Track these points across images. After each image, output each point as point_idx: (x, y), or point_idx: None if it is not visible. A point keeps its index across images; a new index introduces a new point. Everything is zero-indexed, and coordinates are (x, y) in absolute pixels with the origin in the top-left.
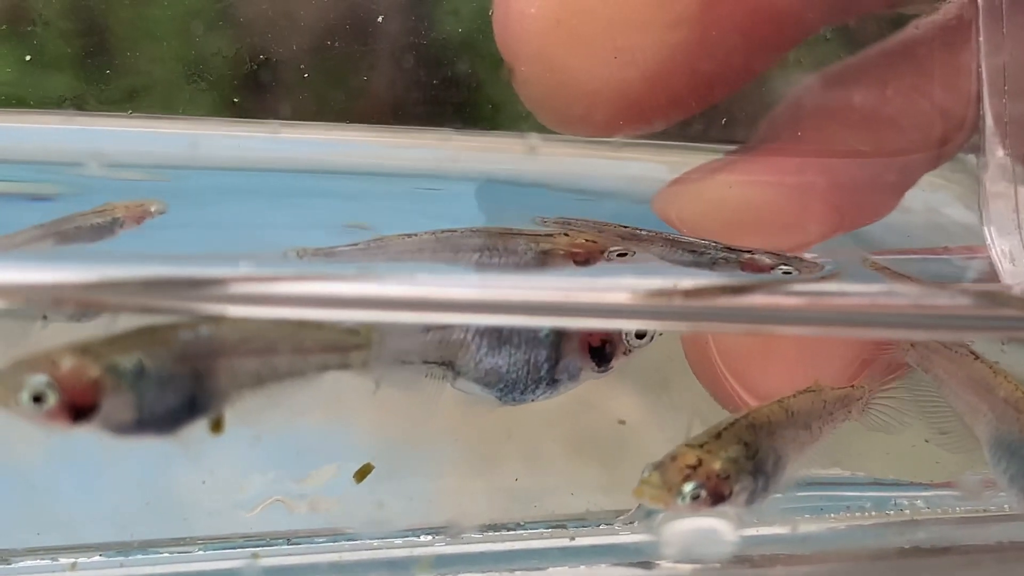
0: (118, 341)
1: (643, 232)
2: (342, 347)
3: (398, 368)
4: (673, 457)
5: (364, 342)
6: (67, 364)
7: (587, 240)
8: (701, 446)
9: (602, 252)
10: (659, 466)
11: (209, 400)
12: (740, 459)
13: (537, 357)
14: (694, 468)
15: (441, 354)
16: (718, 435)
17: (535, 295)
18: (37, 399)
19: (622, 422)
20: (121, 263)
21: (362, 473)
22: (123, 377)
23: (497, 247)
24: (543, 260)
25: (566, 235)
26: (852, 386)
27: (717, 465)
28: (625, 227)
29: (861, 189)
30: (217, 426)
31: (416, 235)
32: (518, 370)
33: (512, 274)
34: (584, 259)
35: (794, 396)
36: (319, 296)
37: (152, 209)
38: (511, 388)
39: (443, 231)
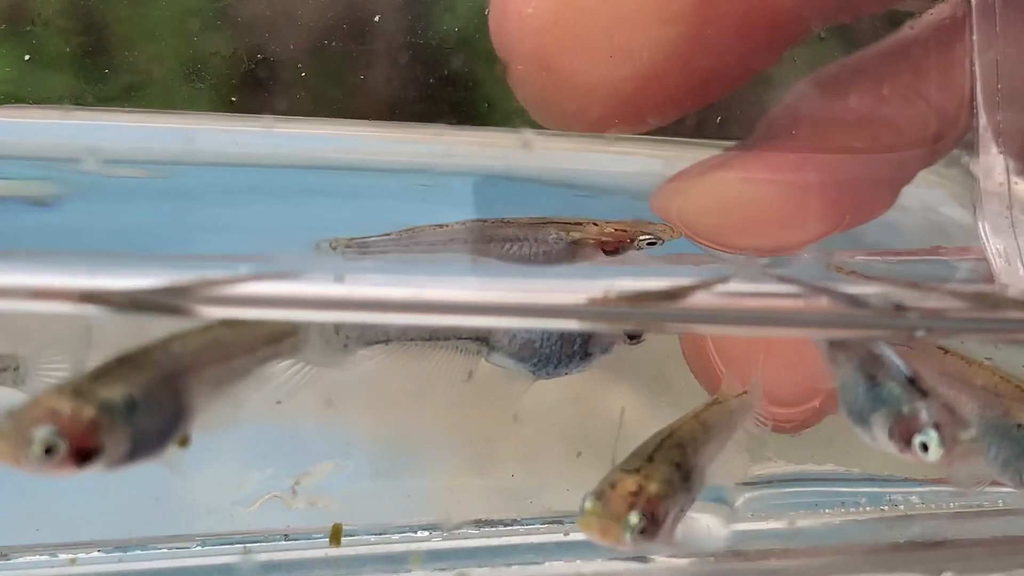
0: (102, 376)
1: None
2: (278, 337)
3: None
4: (612, 485)
5: (293, 330)
6: (67, 409)
7: (616, 229)
8: (637, 471)
9: (632, 241)
10: (600, 495)
11: (185, 415)
12: (675, 480)
13: (571, 331)
14: (636, 495)
15: (475, 330)
16: (650, 458)
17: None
18: (48, 451)
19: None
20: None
21: (335, 535)
22: (117, 413)
23: (528, 236)
24: (573, 249)
25: (595, 224)
26: (745, 392)
27: (655, 489)
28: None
29: (859, 186)
30: (184, 442)
31: (447, 225)
32: (552, 344)
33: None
34: (614, 248)
35: (706, 409)
36: (301, 297)
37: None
38: (545, 362)
39: (473, 221)
